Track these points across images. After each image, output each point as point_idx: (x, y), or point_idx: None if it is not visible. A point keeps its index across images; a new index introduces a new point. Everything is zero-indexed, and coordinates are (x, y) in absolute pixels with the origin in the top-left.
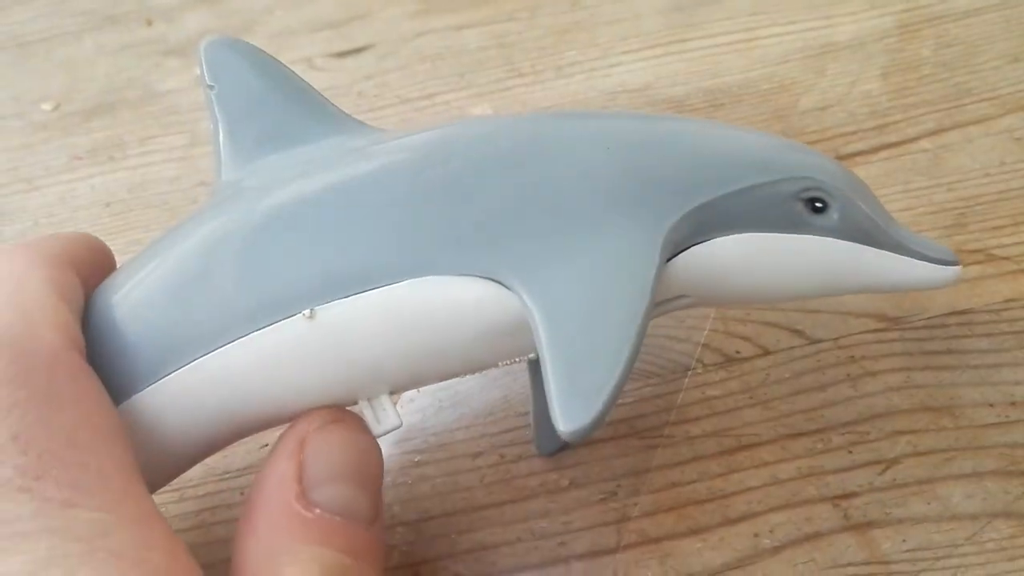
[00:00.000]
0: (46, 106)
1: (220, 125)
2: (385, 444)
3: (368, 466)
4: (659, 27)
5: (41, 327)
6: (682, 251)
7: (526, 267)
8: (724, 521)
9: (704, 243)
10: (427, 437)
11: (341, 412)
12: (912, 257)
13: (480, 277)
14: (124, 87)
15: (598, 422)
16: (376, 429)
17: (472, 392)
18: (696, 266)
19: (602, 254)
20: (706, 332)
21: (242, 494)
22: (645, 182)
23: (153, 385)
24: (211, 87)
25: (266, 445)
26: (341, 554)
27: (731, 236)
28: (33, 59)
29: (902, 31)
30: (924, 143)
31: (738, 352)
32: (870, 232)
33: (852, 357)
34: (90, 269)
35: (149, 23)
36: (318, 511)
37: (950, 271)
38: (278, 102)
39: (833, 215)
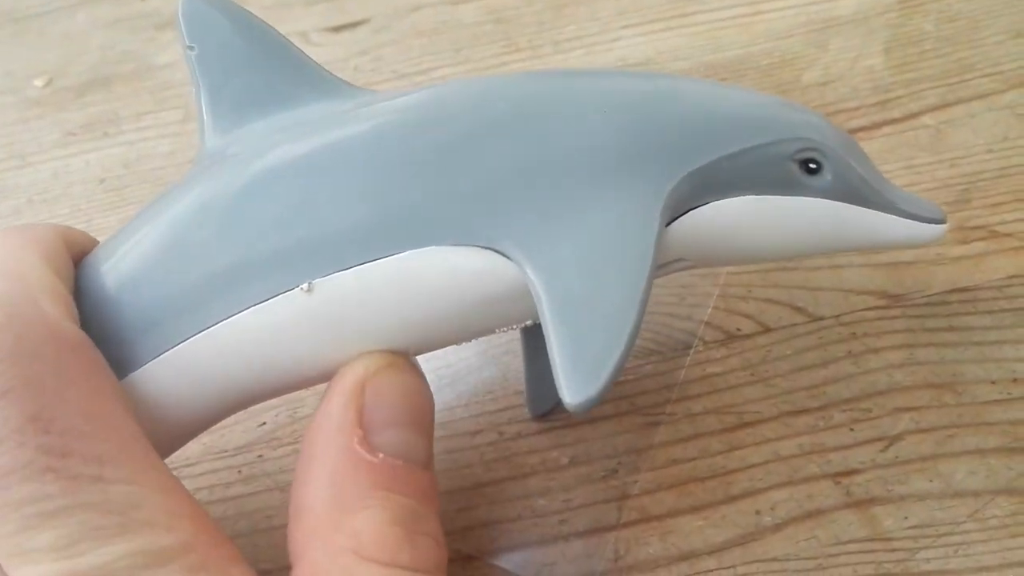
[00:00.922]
0: (38, 82)
1: (202, 89)
2: None
3: (424, 410)
4: (659, 1)
5: (41, 300)
6: (679, 215)
7: (527, 237)
8: (725, 498)
9: (701, 207)
10: None
11: (394, 355)
12: (902, 216)
13: (480, 247)
14: (118, 61)
15: (603, 393)
16: None
17: (471, 370)
18: (693, 230)
19: (602, 222)
20: (709, 310)
21: (239, 472)
22: (643, 146)
23: (149, 363)
24: (191, 48)
25: (264, 423)
26: (409, 498)
27: (727, 199)
28: (27, 34)
29: (904, 5)
30: (926, 119)
31: (739, 329)
32: (862, 192)
33: (854, 334)
34: (79, 249)
35: None
36: (382, 455)
37: (938, 228)
38: (263, 64)
39: (827, 176)
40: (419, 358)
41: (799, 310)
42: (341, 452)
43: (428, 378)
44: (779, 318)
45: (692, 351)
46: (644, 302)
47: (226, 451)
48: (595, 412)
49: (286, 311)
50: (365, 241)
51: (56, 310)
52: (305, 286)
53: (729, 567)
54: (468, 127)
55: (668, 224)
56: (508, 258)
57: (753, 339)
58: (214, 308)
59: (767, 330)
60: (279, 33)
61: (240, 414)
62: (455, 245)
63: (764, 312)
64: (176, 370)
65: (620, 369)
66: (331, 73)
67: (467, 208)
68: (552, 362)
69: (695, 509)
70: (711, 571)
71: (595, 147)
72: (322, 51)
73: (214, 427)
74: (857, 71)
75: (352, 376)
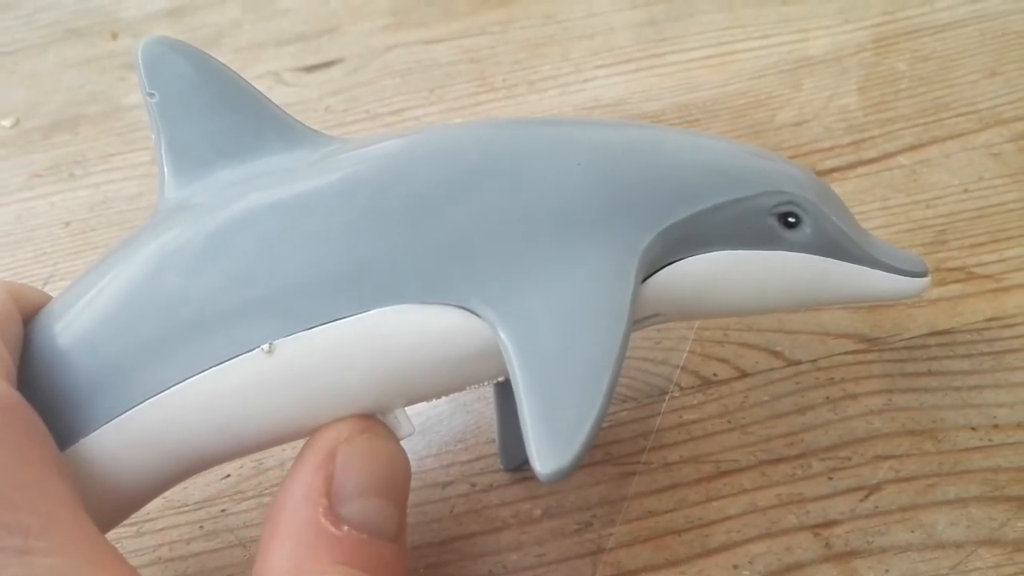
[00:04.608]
0: (6, 122)
1: (162, 137)
2: None
3: (397, 478)
4: (632, 42)
5: None
6: (656, 271)
7: (498, 295)
8: (703, 552)
9: (678, 262)
10: None
11: (369, 421)
12: (883, 270)
13: (450, 305)
14: (87, 101)
15: (576, 463)
16: None
17: (442, 418)
18: (670, 285)
19: (576, 279)
20: (685, 355)
21: (202, 528)
22: (618, 200)
23: (102, 427)
24: (151, 95)
25: (228, 476)
26: (370, 574)
27: (705, 255)
28: None
29: (878, 45)
30: (902, 159)
31: (715, 375)
32: (842, 245)
33: (832, 379)
34: (29, 306)
35: (114, 36)
36: (346, 528)
37: (920, 282)
38: (226, 111)
39: (806, 230)
40: None
41: (776, 354)
42: (304, 525)
43: None
44: (756, 363)
45: (668, 397)
46: (618, 367)
47: (187, 505)
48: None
49: (246, 373)
50: (329, 299)
51: None
52: (266, 347)
53: None
54: (437, 181)
55: (644, 280)
56: (479, 316)
57: (729, 384)
58: (170, 370)
59: (744, 375)
60: (243, 79)
61: None
62: (423, 303)
63: (741, 357)
64: (130, 435)
65: (592, 439)
66: (297, 120)
67: (436, 265)
68: (523, 428)
69: (672, 563)
70: None
71: (569, 201)
72: (294, 91)
73: None
74: (831, 111)
75: (323, 442)
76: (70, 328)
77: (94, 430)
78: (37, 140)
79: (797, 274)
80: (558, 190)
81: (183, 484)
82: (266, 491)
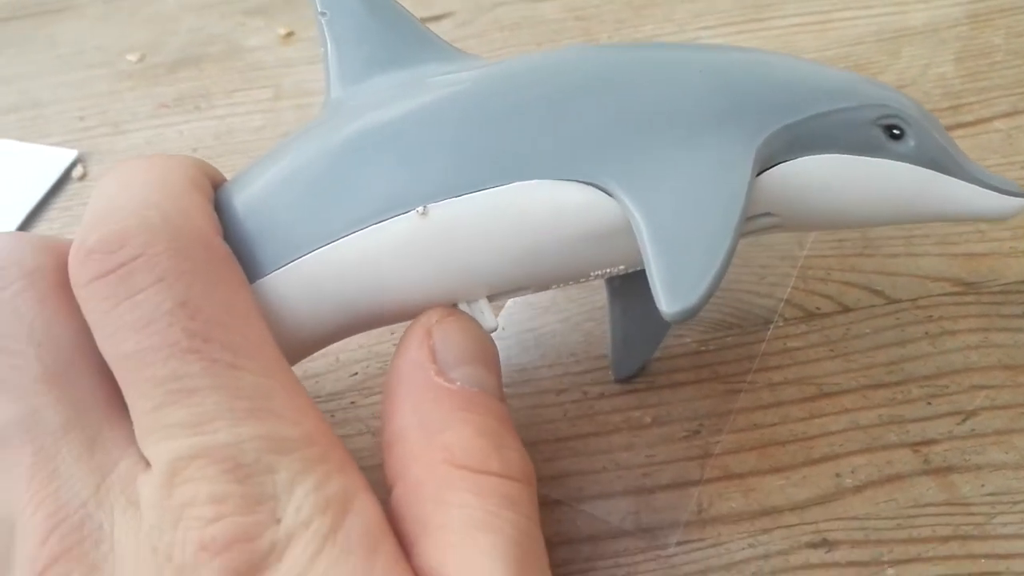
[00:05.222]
0: (131, 57)
1: (330, 49)
2: None
3: (488, 349)
4: (734, 5)
5: (193, 214)
6: (769, 168)
7: (627, 175)
8: (806, 461)
9: (789, 162)
10: (512, 373)
11: (452, 308)
12: (981, 187)
13: (583, 183)
14: (208, 43)
15: (701, 305)
16: None
17: (555, 334)
18: (782, 183)
19: (699, 163)
20: (788, 289)
21: (333, 416)
22: (738, 102)
23: (274, 272)
24: (323, 14)
25: (356, 373)
26: (490, 418)
27: (814, 156)
28: (118, 14)
29: (973, 20)
30: (998, 124)
31: (819, 308)
32: (942, 161)
33: (931, 317)
34: (212, 178)
35: None
36: (459, 383)
37: (1017, 202)
38: (385, 29)
39: (909, 142)
40: (501, 321)
41: (877, 293)
42: (421, 386)
43: (512, 341)
44: (857, 299)
45: (772, 327)
46: (737, 233)
47: (319, 397)
48: (677, 377)
49: (402, 232)
50: (476, 172)
51: (206, 224)
52: (420, 209)
53: (811, 523)
54: (575, 81)
55: (758, 175)
56: (609, 195)
57: (832, 318)
58: (335, 225)
59: (846, 310)
60: (400, 4)
61: (332, 364)
62: (560, 180)
63: (843, 294)
64: (294, 283)
65: (715, 286)
66: (446, 41)
67: (572, 147)
68: (651, 279)
69: (776, 470)
70: (793, 526)
71: (694, 100)
72: None
73: (308, 375)
74: (929, 78)
75: (418, 326)
76: (247, 193)
77: (259, 278)
78: (162, 75)
79: (899, 184)
80: (684, 91)
81: (315, 379)
82: None
